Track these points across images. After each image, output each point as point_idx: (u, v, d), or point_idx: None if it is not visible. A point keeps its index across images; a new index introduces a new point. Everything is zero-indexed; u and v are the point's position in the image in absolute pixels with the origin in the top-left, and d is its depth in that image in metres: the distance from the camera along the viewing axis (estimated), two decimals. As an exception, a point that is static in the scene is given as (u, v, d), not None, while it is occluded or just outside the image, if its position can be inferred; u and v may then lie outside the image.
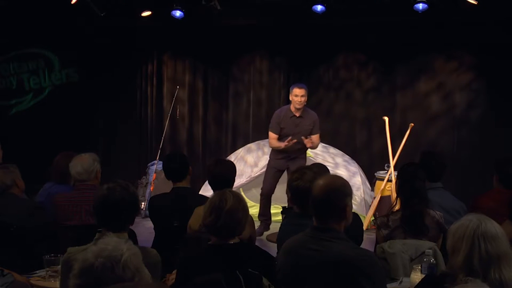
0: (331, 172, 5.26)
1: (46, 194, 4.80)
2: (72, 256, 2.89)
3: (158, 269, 2.99)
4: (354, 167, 8.04)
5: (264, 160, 7.67)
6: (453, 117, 8.64)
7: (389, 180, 7.22)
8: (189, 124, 9.44)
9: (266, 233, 7.01)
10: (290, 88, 7.11)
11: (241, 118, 9.32)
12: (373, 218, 7.18)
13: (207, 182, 5.67)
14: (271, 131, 7.01)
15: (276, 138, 6.96)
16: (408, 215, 3.86)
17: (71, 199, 4.42)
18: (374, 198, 7.43)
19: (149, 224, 4.93)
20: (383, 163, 7.73)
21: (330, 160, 7.92)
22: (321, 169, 4.25)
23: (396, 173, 5.60)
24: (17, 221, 4.14)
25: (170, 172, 4.60)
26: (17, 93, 9.36)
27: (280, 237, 3.65)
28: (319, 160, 7.51)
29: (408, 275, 3.49)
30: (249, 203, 7.20)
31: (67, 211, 4.39)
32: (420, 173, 4.03)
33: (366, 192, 7.77)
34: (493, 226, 2.45)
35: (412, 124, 7.59)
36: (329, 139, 8.51)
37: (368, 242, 4.69)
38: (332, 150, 8.26)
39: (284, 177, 6.80)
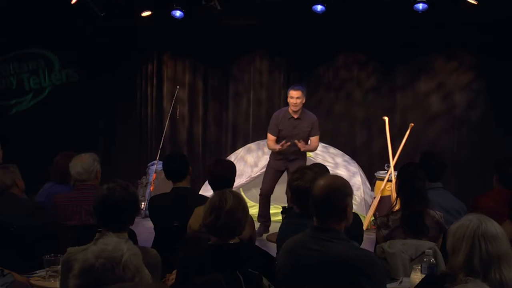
0: (331, 172, 5.26)
1: (46, 194, 4.80)
2: (72, 256, 2.89)
3: (158, 269, 2.99)
4: (354, 167, 8.04)
5: (264, 160, 7.67)
6: (453, 117, 8.64)
7: (389, 180, 7.22)
8: (189, 124, 9.44)
9: (265, 234, 7.00)
10: (288, 90, 7.12)
11: (241, 118, 9.32)
12: (373, 218, 7.18)
13: (207, 182, 5.67)
14: (269, 133, 7.02)
15: (274, 140, 6.96)
16: (408, 215, 3.86)
17: (71, 199, 4.42)
18: (374, 198, 7.43)
19: (149, 224, 4.93)
20: (383, 163, 7.73)
21: (330, 160, 7.92)
22: (321, 169, 4.25)
23: (396, 173, 5.60)
24: (17, 221, 4.14)
25: (170, 172, 4.60)
26: (17, 93, 9.36)
27: (279, 237, 3.65)
28: (319, 160, 7.51)
29: (408, 275, 3.49)
30: (249, 203, 7.20)
31: (67, 211, 4.39)
32: (420, 173, 4.03)
33: (366, 192, 7.77)
34: (493, 226, 2.45)
35: (412, 124, 7.60)
36: (329, 139, 8.51)
37: (368, 242, 4.68)
38: (332, 150, 8.26)
39: (284, 177, 6.80)
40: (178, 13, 8.02)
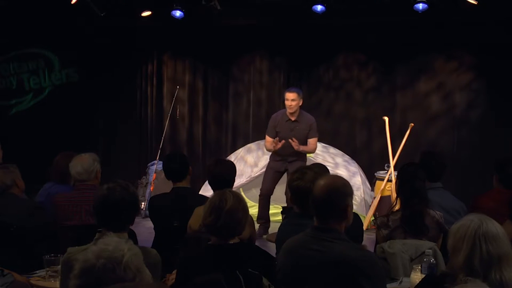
0: (331, 172, 5.26)
1: (46, 194, 4.80)
2: (72, 256, 2.89)
3: (158, 269, 2.99)
4: (354, 167, 8.04)
5: (264, 160, 7.67)
6: (453, 117, 8.64)
7: (389, 180, 7.22)
8: (189, 124, 9.44)
9: (264, 236, 7.00)
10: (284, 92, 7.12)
11: (241, 118, 9.32)
12: (373, 218, 7.18)
13: (207, 182, 5.67)
14: (267, 135, 7.03)
15: (271, 142, 6.98)
16: (408, 215, 3.85)
17: (71, 199, 4.42)
18: (374, 198, 7.43)
19: (149, 224, 4.93)
20: (383, 163, 7.73)
21: (330, 160, 7.92)
22: (321, 169, 4.24)
23: (396, 173, 5.60)
24: (17, 221, 4.14)
25: (170, 172, 4.60)
26: (17, 93, 9.36)
27: (279, 237, 3.64)
28: (319, 160, 7.51)
29: (408, 275, 3.49)
30: (249, 203, 7.20)
31: (67, 211, 4.39)
32: (420, 173, 4.03)
33: (366, 192, 7.77)
34: (494, 227, 2.45)
35: (412, 124, 7.59)
36: (329, 139, 8.51)
37: (368, 242, 4.68)
38: (332, 150, 8.25)
39: (284, 177, 6.80)
40: (178, 13, 8.03)
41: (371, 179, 7.93)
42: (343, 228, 2.91)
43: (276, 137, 6.90)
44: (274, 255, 3.38)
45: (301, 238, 2.97)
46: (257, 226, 6.80)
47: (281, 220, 4.68)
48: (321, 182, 2.95)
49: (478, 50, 8.36)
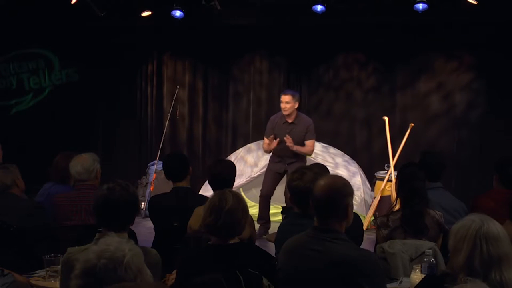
0: (331, 172, 5.26)
1: (46, 194, 4.80)
2: (72, 256, 2.89)
3: (158, 269, 2.99)
4: (354, 167, 8.04)
5: (264, 160, 7.67)
6: (453, 117, 8.64)
7: (389, 180, 7.22)
8: (189, 124, 9.43)
9: (264, 236, 7.00)
10: None
11: (241, 118, 9.32)
12: (373, 218, 7.18)
13: (207, 182, 5.67)
14: (265, 136, 7.03)
15: (267, 142, 6.98)
16: (408, 215, 3.85)
17: (71, 199, 4.42)
18: (374, 198, 7.43)
19: (149, 224, 4.93)
20: (383, 163, 7.73)
21: (330, 160, 7.91)
22: (321, 169, 4.24)
23: (396, 173, 5.60)
24: (17, 221, 4.14)
25: (170, 172, 4.60)
26: (17, 93, 9.36)
27: (279, 237, 3.64)
28: (319, 160, 7.51)
29: (408, 275, 3.49)
30: (249, 203, 7.20)
31: (67, 211, 4.39)
32: (420, 173, 4.03)
33: (366, 192, 7.77)
34: (495, 227, 2.45)
35: (412, 124, 7.59)
36: (329, 139, 8.52)
37: (368, 242, 4.69)
38: (332, 150, 8.25)
39: (285, 178, 6.80)
40: (178, 13, 8.02)
41: (371, 179, 7.93)
42: (343, 228, 2.91)
43: (274, 139, 6.89)
44: (274, 255, 3.38)
45: (301, 238, 2.96)
46: (257, 226, 6.81)
47: (281, 220, 4.68)
48: (322, 182, 2.94)
49: (478, 50, 8.36)
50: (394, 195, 4.86)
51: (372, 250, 3.93)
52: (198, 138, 9.45)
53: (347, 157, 8.23)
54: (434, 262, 3.38)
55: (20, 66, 9.34)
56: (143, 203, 7.73)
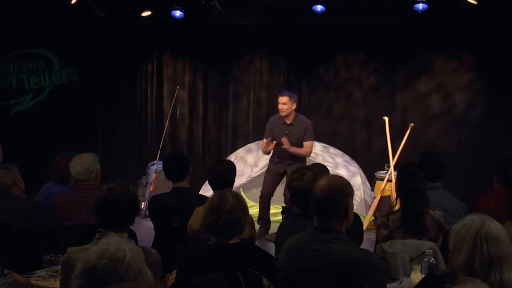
0: (331, 172, 5.26)
1: (46, 194, 4.80)
2: (72, 256, 2.89)
3: (158, 269, 2.99)
4: (354, 167, 8.04)
5: (264, 160, 7.67)
6: (453, 117, 8.64)
7: (389, 180, 7.22)
8: (189, 124, 9.43)
9: (265, 236, 7.00)
10: None
11: (241, 118, 9.32)
12: (373, 218, 7.18)
13: (207, 182, 5.67)
14: (264, 137, 7.04)
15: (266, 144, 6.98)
16: (408, 215, 3.85)
17: (71, 199, 4.42)
18: (374, 198, 7.43)
19: (149, 224, 4.93)
20: (383, 163, 7.73)
21: (330, 160, 7.92)
22: (321, 169, 4.25)
23: (396, 173, 5.60)
24: (17, 221, 4.14)
25: (170, 172, 4.60)
26: (17, 93, 9.36)
27: (279, 237, 3.64)
28: (319, 160, 7.51)
29: (408, 275, 3.49)
30: (249, 203, 7.21)
31: (67, 211, 4.39)
32: (420, 173, 4.03)
33: (366, 192, 7.77)
34: (495, 227, 2.44)
35: (412, 124, 7.59)
36: (329, 139, 8.52)
37: (368, 242, 4.69)
38: (332, 150, 8.25)
39: (284, 178, 6.80)
40: (178, 13, 8.02)
41: (371, 179, 7.93)
42: (343, 228, 2.91)
43: (273, 140, 6.89)
44: (274, 255, 3.38)
45: (301, 238, 2.96)
46: (257, 226, 6.81)
47: (281, 220, 4.68)
48: (322, 182, 2.94)
49: (478, 50, 8.36)
50: (394, 195, 4.86)
51: (372, 250, 3.93)
52: (198, 138, 9.45)
53: (347, 157, 8.24)
54: (434, 262, 3.38)
55: (20, 66, 9.34)
56: (143, 203, 7.73)
